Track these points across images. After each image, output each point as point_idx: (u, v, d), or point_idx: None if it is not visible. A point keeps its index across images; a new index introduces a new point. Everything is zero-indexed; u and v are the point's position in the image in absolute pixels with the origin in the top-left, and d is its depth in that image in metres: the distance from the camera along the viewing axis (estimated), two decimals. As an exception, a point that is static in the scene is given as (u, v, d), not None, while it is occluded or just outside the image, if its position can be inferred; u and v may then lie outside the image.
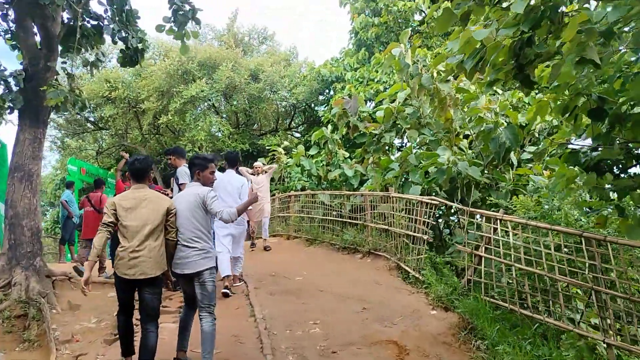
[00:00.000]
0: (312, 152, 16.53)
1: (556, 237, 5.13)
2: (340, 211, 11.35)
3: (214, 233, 5.77)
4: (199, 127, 17.11)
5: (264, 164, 11.74)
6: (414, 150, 10.83)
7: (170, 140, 20.38)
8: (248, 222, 7.71)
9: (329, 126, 17.27)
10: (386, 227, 8.22)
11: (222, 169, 7.55)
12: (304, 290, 6.97)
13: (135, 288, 4.17)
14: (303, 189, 15.80)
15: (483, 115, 7.91)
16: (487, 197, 7.87)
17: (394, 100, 10.96)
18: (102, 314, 6.60)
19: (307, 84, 19.63)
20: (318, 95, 20.99)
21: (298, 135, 23.67)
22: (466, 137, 11.01)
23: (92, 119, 22.26)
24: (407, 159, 9.80)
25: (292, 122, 22.87)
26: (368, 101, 16.83)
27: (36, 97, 7.09)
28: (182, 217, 4.21)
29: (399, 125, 10.60)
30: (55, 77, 7.41)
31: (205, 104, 19.49)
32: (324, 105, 21.74)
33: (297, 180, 17.42)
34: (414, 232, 7.11)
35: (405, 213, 7.48)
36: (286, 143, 18.20)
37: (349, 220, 10.22)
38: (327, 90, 20.78)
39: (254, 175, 10.07)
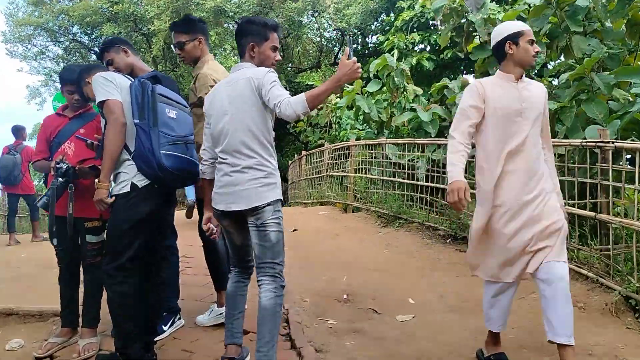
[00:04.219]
0: (371, 88, 12.07)
1: None
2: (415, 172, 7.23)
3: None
4: (227, 52, 12.87)
5: None
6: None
7: (188, 72, 16.22)
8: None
9: (394, 53, 12.86)
10: (591, 213, 3.95)
11: None
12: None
13: None
14: (358, 139, 11.60)
15: None
16: None
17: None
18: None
19: (362, 1, 15.05)
20: (374, 20, 16.43)
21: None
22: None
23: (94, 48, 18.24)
24: (581, 81, 5.51)
25: (340, 55, 18.33)
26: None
27: None
28: (223, 117, 2.57)
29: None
30: None
31: (232, 25, 15.19)
32: (376, 35, 17.18)
33: (349, 129, 13.20)
34: None
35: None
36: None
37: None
38: (384, 14, 16.21)
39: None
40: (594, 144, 3.84)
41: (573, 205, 4.08)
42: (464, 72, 18.84)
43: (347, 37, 3.00)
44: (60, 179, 2.86)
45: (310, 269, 5.04)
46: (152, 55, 15.49)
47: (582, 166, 4.09)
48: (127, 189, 2.61)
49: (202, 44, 3.23)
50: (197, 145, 2.95)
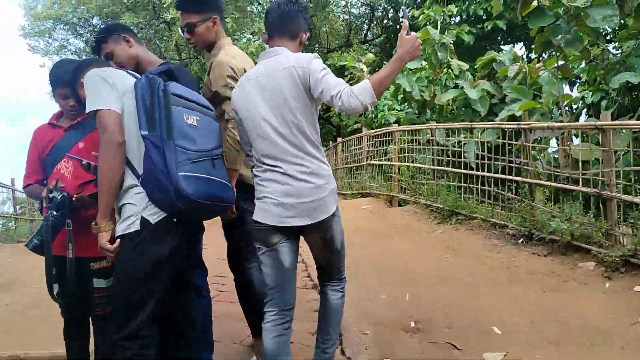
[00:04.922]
0: (411, 65, 11.10)
1: None
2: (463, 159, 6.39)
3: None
4: (251, 35, 12.13)
5: None
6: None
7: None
8: None
9: (437, 25, 11.87)
10: None
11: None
12: None
13: None
14: (397, 122, 10.75)
15: None
16: None
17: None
18: None
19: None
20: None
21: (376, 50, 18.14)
22: None
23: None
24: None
25: (369, 33, 17.36)
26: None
27: None
28: (262, 117, 2.14)
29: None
30: None
31: (255, 8, 14.41)
32: (409, 9, 16.08)
33: (387, 110, 12.33)
34: None
35: None
36: (371, 55, 12.89)
37: (545, 183, 5.13)
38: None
39: None
40: None
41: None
42: (502, 42, 17.60)
43: (402, 8, 2.42)
44: (55, 212, 2.19)
45: (363, 284, 4.32)
46: (174, 44, 14.86)
47: None
48: (136, 226, 1.91)
49: (216, 25, 2.51)
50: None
